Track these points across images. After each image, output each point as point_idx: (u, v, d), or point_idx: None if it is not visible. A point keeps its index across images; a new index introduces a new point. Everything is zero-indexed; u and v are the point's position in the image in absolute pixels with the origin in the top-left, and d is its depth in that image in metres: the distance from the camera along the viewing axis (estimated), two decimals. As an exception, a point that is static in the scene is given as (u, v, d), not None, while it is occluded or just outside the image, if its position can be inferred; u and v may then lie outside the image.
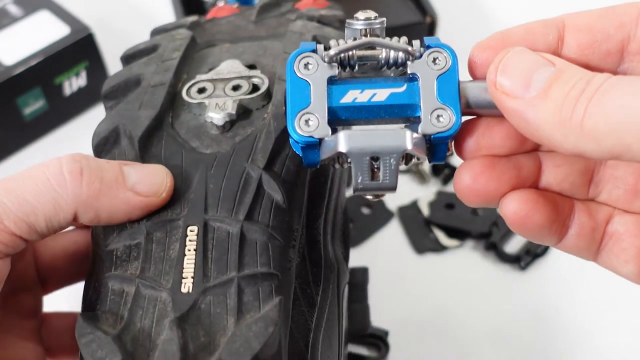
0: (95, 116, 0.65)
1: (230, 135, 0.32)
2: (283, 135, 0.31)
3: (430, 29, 0.65)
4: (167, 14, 0.71)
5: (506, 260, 0.54)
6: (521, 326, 0.51)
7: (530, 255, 0.54)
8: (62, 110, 0.63)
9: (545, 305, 0.52)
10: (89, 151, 0.62)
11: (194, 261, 0.29)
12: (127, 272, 0.29)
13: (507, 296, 0.53)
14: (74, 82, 0.62)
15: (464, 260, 0.55)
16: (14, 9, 0.63)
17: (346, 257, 0.37)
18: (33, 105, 0.60)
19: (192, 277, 0.28)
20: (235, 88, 0.33)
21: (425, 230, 0.56)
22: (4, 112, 0.59)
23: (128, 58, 0.37)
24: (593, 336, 0.50)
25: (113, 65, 0.65)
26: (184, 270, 0.29)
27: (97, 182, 0.29)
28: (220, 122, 0.32)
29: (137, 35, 0.71)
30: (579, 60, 0.26)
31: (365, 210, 0.57)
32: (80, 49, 0.61)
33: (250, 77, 0.34)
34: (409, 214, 0.57)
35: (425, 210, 0.57)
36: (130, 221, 0.30)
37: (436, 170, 0.60)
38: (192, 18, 0.40)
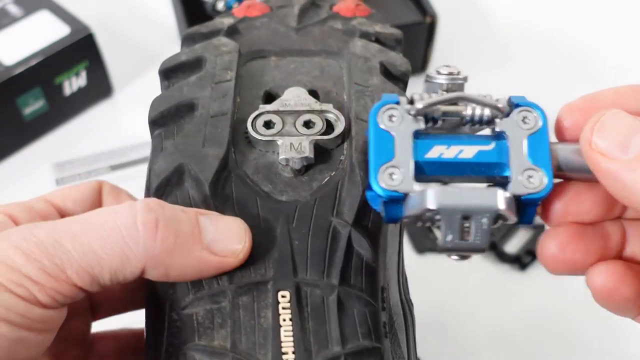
0: (96, 116, 0.65)
1: (306, 180, 0.29)
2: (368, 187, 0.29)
3: (430, 29, 0.65)
4: (167, 14, 0.71)
5: (506, 260, 0.54)
6: (521, 326, 0.51)
7: (530, 256, 0.54)
8: (62, 110, 0.63)
9: (545, 305, 0.52)
10: (87, 152, 0.62)
11: (291, 333, 0.26)
12: (214, 342, 0.26)
13: (507, 296, 0.53)
14: (74, 82, 0.62)
15: (464, 260, 0.55)
16: (14, 9, 0.63)
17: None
18: (33, 105, 0.60)
19: (294, 353, 0.25)
20: (308, 125, 0.30)
21: (426, 231, 0.56)
22: (3, 112, 0.59)
23: (168, 72, 0.33)
24: (593, 336, 0.50)
25: (113, 65, 0.65)
26: (282, 344, 0.26)
27: (172, 237, 0.26)
28: (297, 166, 0.29)
29: (137, 35, 0.72)
30: None
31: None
32: (80, 48, 0.61)
33: (322, 111, 0.31)
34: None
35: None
36: (206, 279, 0.27)
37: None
38: (228, 20, 0.36)
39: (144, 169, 0.65)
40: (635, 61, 0.70)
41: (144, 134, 0.61)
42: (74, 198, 0.33)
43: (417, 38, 0.66)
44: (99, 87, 0.64)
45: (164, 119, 0.31)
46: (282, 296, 0.26)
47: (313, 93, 0.32)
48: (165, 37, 0.70)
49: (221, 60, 0.33)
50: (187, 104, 0.31)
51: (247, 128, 0.30)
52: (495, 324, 0.51)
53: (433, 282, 0.53)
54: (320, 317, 0.26)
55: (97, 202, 0.34)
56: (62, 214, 0.32)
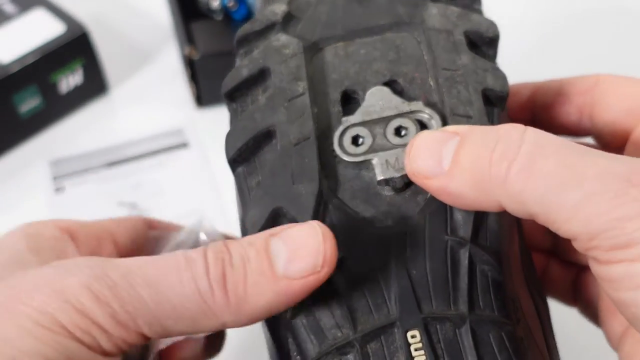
0: (92, 113, 0.65)
1: (409, 196, 0.26)
2: None
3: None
4: (161, 11, 0.71)
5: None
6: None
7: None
8: (58, 108, 0.63)
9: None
10: (83, 150, 0.62)
11: None
12: None
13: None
14: (70, 80, 0.62)
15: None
16: (9, 7, 0.63)
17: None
18: (29, 103, 0.61)
19: None
20: (399, 132, 0.27)
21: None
22: None
23: (232, 93, 0.30)
24: (590, 332, 0.51)
25: (109, 63, 0.65)
26: None
27: (241, 286, 0.23)
28: (399, 185, 0.26)
29: (132, 33, 0.72)
30: None
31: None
32: (76, 46, 0.61)
33: (412, 112, 0.27)
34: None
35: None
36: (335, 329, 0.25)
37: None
38: (279, 6, 0.31)
39: (140, 165, 0.65)
40: (629, 65, 0.71)
41: (139, 131, 0.62)
42: (125, 226, 0.32)
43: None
44: (95, 85, 0.65)
45: (243, 155, 0.28)
46: (412, 336, 0.24)
47: (394, 84, 0.29)
48: (160, 35, 0.71)
49: (287, 69, 0.29)
50: (264, 133, 0.28)
51: (332, 146, 0.27)
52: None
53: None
54: (455, 352, 0.24)
55: (142, 235, 0.32)
56: (115, 241, 0.31)
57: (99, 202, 0.56)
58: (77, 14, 0.63)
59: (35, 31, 0.61)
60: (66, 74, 0.62)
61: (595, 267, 0.23)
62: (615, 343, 0.31)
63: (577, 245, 0.23)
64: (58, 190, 0.59)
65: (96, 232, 0.30)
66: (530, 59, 0.72)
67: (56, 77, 0.61)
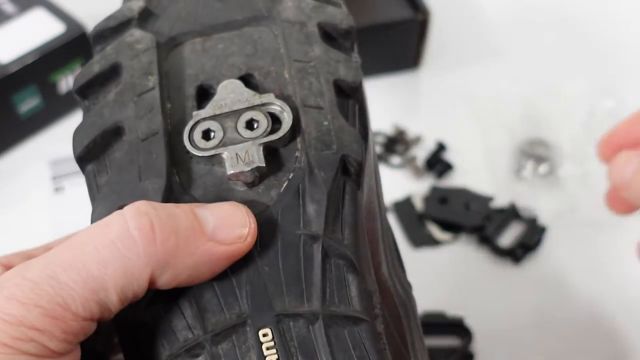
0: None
1: (262, 190, 0.26)
2: (335, 185, 0.26)
3: (422, 26, 0.65)
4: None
5: (500, 253, 0.54)
6: (515, 319, 0.51)
7: (523, 249, 0.54)
8: (58, 108, 0.63)
9: (539, 298, 0.52)
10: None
11: None
12: None
13: (501, 289, 0.53)
14: (70, 80, 0.62)
15: (459, 254, 0.55)
16: (9, 7, 0.63)
17: (405, 276, 0.31)
18: (28, 103, 0.61)
19: None
20: (250, 125, 0.27)
21: (419, 225, 0.56)
22: (-1, 109, 0.59)
23: (84, 90, 0.29)
24: (587, 329, 0.51)
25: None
26: None
27: (173, 237, 0.23)
28: (250, 179, 0.26)
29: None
30: None
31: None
32: (75, 46, 0.61)
33: (263, 104, 0.27)
34: (403, 208, 0.58)
35: (419, 205, 0.57)
36: (183, 330, 0.24)
37: (430, 165, 0.60)
38: (137, 2, 0.31)
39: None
40: (633, 55, 0.71)
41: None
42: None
43: (409, 35, 0.66)
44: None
45: (92, 153, 0.27)
46: (264, 335, 0.24)
47: (250, 77, 0.29)
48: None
49: (138, 64, 0.28)
50: (112, 129, 0.27)
51: (184, 141, 0.27)
52: (489, 317, 0.51)
53: (428, 276, 0.54)
54: (309, 349, 0.24)
55: None
56: None
57: (99, 202, 0.56)
58: (76, 14, 0.63)
59: (35, 31, 0.61)
60: (66, 73, 0.62)
61: None
62: None
63: None
64: (57, 190, 0.59)
65: (31, 254, 0.30)
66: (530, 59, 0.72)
67: (56, 77, 0.61)
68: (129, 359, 0.26)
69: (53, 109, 0.63)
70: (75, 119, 0.64)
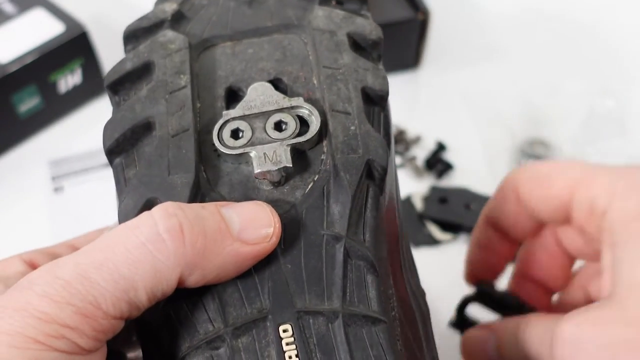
0: (91, 113, 0.65)
1: (288, 190, 0.27)
2: (359, 188, 0.26)
3: (423, 26, 0.65)
4: (161, 11, 0.71)
5: (499, 253, 0.54)
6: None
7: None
8: (57, 108, 0.63)
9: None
10: (82, 150, 0.62)
11: None
12: None
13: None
14: (69, 80, 0.62)
15: (459, 254, 0.55)
16: (8, 7, 0.63)
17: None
18: (28, 103, 0.61)
19: None
20: (279, 126, 0.27)
21: (419, 225, 0.56)
22: (-1, 109, 0.59)
23: (115, 86, 0.30)
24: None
25: (108, 62, 0.65)
26: None
27: (201, 238, 0.24)
28: (276, 179, 0.27)
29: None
30: None
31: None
32: (75, 46, 0.61)
33: (292, 107, 0.28)
34: (403, 208, 0.57)
35: (419, 205, 0.57)
36: (204, 323, 0.25)
37: (430, 165, 0.60)
38: (170, 5, 0.32)
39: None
40: (631, 59, 0.71)
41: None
42: (87, 239, 0.31)
43: (409, 35, 0.66)
44: (94, 85, 0.65)
45: (121, 146, 0.28)
46: (284, 330, 0.24)
47: (279, 82, 0.29)
48: (159, 35, 0.71)
49: (171, 63, 0.29)
50: (142, 124, 0.28)
51: (213, 139, 0.27)
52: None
53: (428, 276, 0.54)
54: (327, 347, 0.24)
55: None
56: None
57: (98, 202, 0.56)
58: (76, 13, 0.63)
59: (35, 31, 0.61)
60: (65, 73, 0.62)
61: None
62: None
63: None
64: (57, 190, 0.59)
65: (53, 252, 0.30)
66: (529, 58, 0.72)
67: (55, 77, 0.61)
68: (148, 350, 0.26)
69: (52, 109, 0.63)
70: (75, 119, 0.64)
